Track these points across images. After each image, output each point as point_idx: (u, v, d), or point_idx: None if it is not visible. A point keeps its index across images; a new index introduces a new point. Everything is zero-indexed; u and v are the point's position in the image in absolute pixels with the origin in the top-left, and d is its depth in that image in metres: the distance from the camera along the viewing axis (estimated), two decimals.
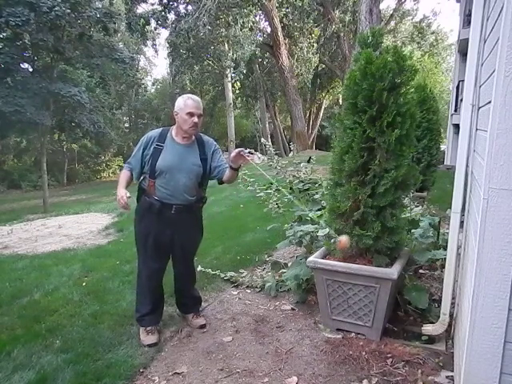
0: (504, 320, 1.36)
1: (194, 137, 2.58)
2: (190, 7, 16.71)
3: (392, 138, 2.31)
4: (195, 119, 2.45)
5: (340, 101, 23.05)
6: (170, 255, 2.70)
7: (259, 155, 4.03)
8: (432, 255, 2.91)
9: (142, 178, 2.59)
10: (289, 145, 8.26)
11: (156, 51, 38.03)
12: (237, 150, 2.45)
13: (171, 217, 2.50)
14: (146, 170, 2.53)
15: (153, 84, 37.25)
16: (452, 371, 2.11)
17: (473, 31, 2.02)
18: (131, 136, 31.22)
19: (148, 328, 2.60)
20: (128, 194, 2.41)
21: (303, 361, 2.30)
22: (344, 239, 2.38)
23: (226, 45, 17.70)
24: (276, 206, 3.65)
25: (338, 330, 2.59)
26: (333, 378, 2.13)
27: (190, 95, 2.55)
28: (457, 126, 11.32)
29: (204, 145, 2.60)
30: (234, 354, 2.41)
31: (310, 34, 19.73)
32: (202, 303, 3.03)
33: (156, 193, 2.49)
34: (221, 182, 2.68)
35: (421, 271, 3.34)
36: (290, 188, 3.76)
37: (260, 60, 23.04)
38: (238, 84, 23.84)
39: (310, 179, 3.80)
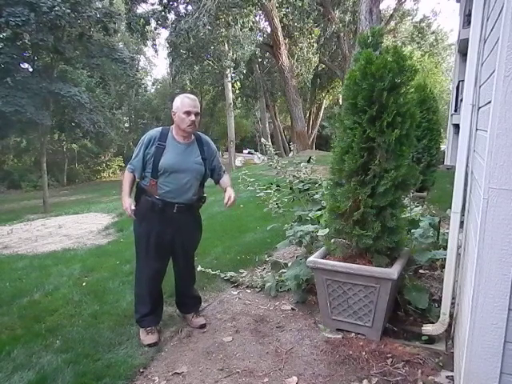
0: (504, 320, 1.36)
1: (193, 136, 2.59)
2: (190, 7, 16.70)
3: (392, 138, 2.31)
4: (192, 117, 2.47)
5: (340, 101, 23.05)
6: (171, 255, 2.70)
7: (259, 155, 4.04)
8: (432, 255, 2.91)
9: (141, 177, 2.59)
10: (289, 145, 8.26)
11: (156, 51, 38.04)
12: (229, 194, 2.60)
13: (173, 216, 2.51)
14: (147, 169, 2.53)
15: (153, 84, 37.31)
16: (452, 371, 2.11)
17: (473, 31, 2.02)
18: (131, 136, 31.27)
19: (148, 328, 2.60)
20: (133, 206, 2.54)
21: (303, 361, 2.30)
22: None
23: (226, 45, 17.69)
24: (276, 206, 3.65)
25: (338, 330, 2.59)
26: (333, 378, 2.13)
27: (186, 94, 2.58)
28: (457, 126, 11.32)
29: (203, 144, 2.62)
30: (234, 354, 2.41)
31: (310, 34, 19.71)
32: (202, 303, 3.03)
33: (158, 192, 2.49)
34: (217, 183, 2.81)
35: (421, 271, 3.33)
36: (290, 188, 3.76)
37: (260, 60, 23.04)
38: (238, 84, 23.83)
39: (310, 179, 3.80)
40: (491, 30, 1.64)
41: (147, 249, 2.57)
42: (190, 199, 2.55)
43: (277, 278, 3.35)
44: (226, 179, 2.78)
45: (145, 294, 2.65)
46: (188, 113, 2.46)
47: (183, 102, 2.48)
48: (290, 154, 5.18)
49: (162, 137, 2.52)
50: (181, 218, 2.54)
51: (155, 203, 2.49)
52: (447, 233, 2.52)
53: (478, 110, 1.97)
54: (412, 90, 2.56)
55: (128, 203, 2.55)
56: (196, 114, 2.49)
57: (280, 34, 17.82)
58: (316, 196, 3.65)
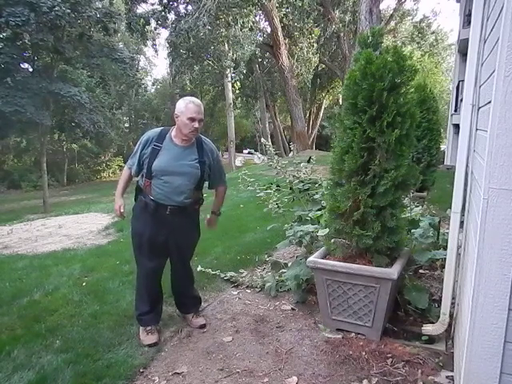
0: (504, 320, 1.36)
1: (194, 138, 2.57)
2: (190, 7, 16.70)
3: (392, 138, 2.31)
4: (196, 124, 2.42)
5: (340, 101, 23.05)
6: (167, 255, 2.69)
7: (259, 155, 4.04)
8: (432, 255, 2.91)
9: (139, 176, 2.59)
10: (289, 145, 8.26)
11: (156, 51, 38.06)
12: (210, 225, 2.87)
13: (166, 217, 2.49)
14: (143, 169, 2.52)
15: (153, 84, 37.32)
16: (452, 371, 2.11)
17: (473, 31, 2.02)
18: (131, 136, 31.28)
19: (148, 328, 2.60)
20: (122, 209, 2.59)
21: (303, 361, 2.30)
22: None
23: (226, 45, 17.70)
24: (276, 206, 3.65)
25: (338, 330, 2.59)
26: (333, 378, 2.13)
27: (191, 98, 2.49)
28: (457, 126, 11.32)
29: (203, 147, 2.57)
30: (234, 354, 2.41)
31: (310, 34, 19.70)
32: (202, 303, 3.03)
33: (152, 192, 2.48)
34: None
35: (421, 271, 3.34)
36: (290, 188, 3.76)
37: (260, 60, 23.03)
38: (238, 84, 23.82)
39: (310, 179, 3.80)
40: (491, 30, 1.64)
41: (140, 248, 2.59)
42: (182, 202, 2.51)
43: (277, 277, 3.35)
44: (219, 196, 2.79)
45: (143, 293, 2.67)
46: (192, 119, 2.40)
47: (188, 108, 2.41)
48: (290, 154, 5.19)
49: (160, 138, 2.49)
50: (174, 220, 2.51)
51: (148, 204, 2.49)
52: (447, 233, 2.52)
53: (478, 109, 1.97)
54: (412, 90, 2.56)
55: (118, 204, 2.59)
56: (200, 121, 2.45)
57: (280, 34, 17.82)
58: (316, 196, 3.65)
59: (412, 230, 2.96)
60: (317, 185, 3.78)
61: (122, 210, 2.59)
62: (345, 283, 2.46)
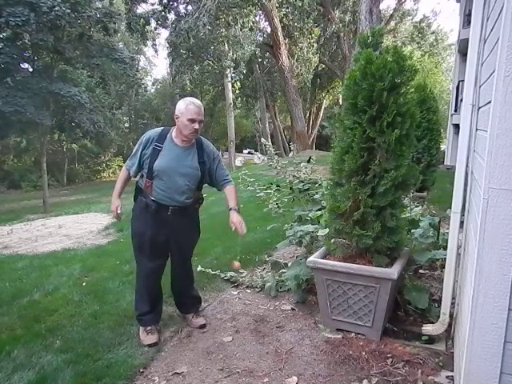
0: (504, 320, 1.36)
1: (193, 139, 2.57)
2: (190, 7, 16.71)
3: (392, 138, 2.31)
4: (196, 125, 2.42)
5: (340, 101, 23.05)
6: (168, 255, 2.69)
7: (259, 155, 4.05)
8: (432, 255, 2.91)
9: (139, 177, 2.59)
10: (289, 145, 8.26)
11: (156, 51, 38.11)
12: (235, 221, 2.61)
13: (167, 218, 2.50)
14: (143, 169, 2.52)
15: (153, 84, 37.30)
16: (452, 371, 2.11)
17: (473, 31, 2.02)
18: (131, 136, 31.26)
19: (148, 328, 2.60)
20: (119, 210, 2.60)
21: (303, 361, 2.30)
22: (237, 263, 2.92)
23: (226, 45, 17.71)
24: (276, 206, 3.65)
25: (338, 330, 2.59)
26: (333, 378, 2.13)
27: (191, 99, 2.49)
28: (457, 126, 11.32)
29: (203, 149, 2.58)
30: (234, 354, 2.41)
31: (310, 34, 19.70)
32: (202, 303, 3.03)
33: (153, 193, 2.49)
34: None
35: (421, 271, 3.34)
36: (290, 188, 3.76)
37: (260, 60, 23.03)
38: (238, 84, 23.83)
39: (310, 179, 3.80)
40: (491, 30, 1.64)
41: (141, 248, 2.59)
42: (184, 202, 2.52)
43: (277, 277, 3.35)
44: (229, 193, 2.66)
45: (143, 293, 2.66)
46: (192, 120, 2.40)
47: (188, 109, 2.41)
48: (290, 154, 5.20)
49: (161, 138, 2.49)
50: (175, 220, 2.52)
51: (149, 205, 2.49)
52: (447, 233, 2.52)
53: (478, 109, 1.97)
54: (412, 90, 2.56)
55: (115, 205, 2.59)
56: (200, 122, 2.45)
57: (280, 34, 17.82)
58: (316, 196, 3.65)
59: (412, 230, 2.96)
60: (317, 185, 3.78)
61: (118, 212, 2.59)
62: (345, 283, 2.46)
